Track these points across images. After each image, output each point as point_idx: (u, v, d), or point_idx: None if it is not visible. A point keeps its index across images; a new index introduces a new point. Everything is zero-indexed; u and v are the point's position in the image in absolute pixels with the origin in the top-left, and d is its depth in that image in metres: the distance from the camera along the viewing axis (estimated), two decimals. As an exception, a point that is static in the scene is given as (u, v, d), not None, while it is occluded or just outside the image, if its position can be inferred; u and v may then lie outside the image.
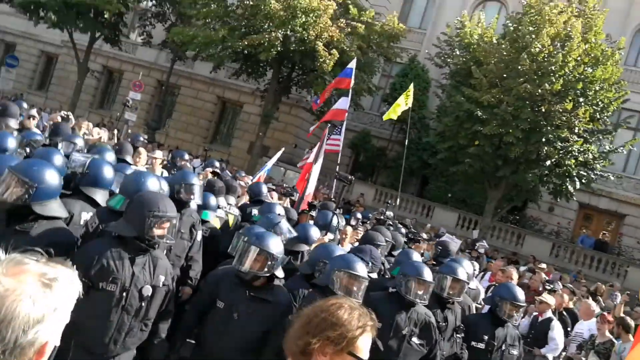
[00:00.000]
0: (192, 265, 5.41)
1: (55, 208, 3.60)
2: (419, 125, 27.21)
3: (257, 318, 4.01)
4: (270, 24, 20.62)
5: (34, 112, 9.92)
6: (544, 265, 15.87)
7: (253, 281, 4.07)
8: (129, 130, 22.42)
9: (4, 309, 1.17)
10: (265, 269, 4.02)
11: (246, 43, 20.88)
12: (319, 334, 1.79)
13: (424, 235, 12.46)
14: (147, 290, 3.63)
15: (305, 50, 21.44)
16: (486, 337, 5.09)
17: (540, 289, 10.46)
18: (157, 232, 3.63)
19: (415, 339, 4.51)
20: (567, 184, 19.61)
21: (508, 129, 18.63)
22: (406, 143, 16.35)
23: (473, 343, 5.13)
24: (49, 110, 21.82)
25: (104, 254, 3.52)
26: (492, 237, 22.26)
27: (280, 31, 20.54)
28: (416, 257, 5.81)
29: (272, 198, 9.27)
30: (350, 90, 11.96)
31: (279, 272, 4.16)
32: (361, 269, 4.21)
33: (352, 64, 12.28)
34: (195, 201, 5.45)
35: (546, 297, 8.68)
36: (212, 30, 22.06)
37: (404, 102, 14.66)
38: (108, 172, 4.63)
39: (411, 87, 15.03)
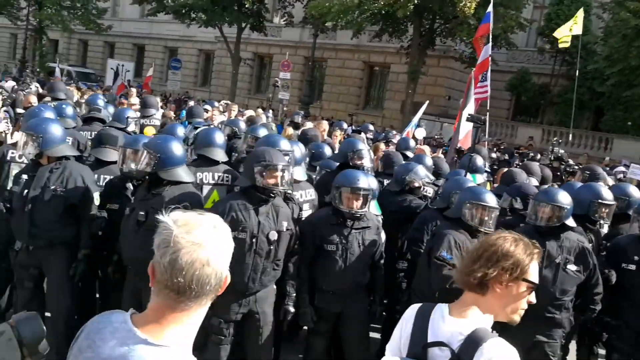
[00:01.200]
0: None
1: (180, 174, 4.16)
2: (584, 53, 24.76)
3: (364, 245, 4.38)
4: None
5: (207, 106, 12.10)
6: None
7: (351, 218, 4.33)
8: (285, 109, 23.41)
9: (207, 252, 1.47)
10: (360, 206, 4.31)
11: (382, 3, 20.54)
12: (494, 265, 1.98)
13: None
14: (273, 235, 4.03)
15: (443, -3, 20.55)
16: (637, 258, 4.71)
17: None
18: (269, 181, 3.98)
19: (571, 266, 4.35)
20: None
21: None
22: (577, 73, 14.97)
23: (623, 265, 4.77)
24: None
25: (232, 207, 3.98)
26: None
27: (414, -17, 19.88)
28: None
29: (424, 151, 9.10)
30: (490, 35, 11.24)
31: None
32: (490, 199, 4.32)
33: (490, 8, 11.52)
34: (365, 165, 5.63)
35: None
36: (347, -4, 22.00)
37: (573, 26, 13.58)
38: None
39: (580, 11, 13.73)
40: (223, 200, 4.26)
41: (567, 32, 13.43)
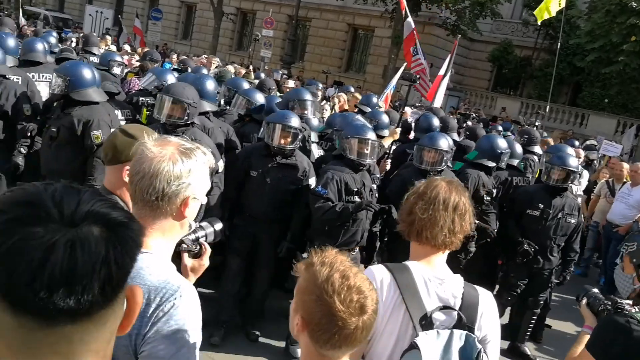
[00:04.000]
0: None
1: (90, 94, 4.63)
2: (567, 27, 24.81)
3: (285, 180, 4.80)
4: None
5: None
6: None
7: (279, 154, 4.76)
8: (266, 67, 23.12)
9: (152, 167, 1.62)
10: (290, 143, 4.75)
11: (370, -37, 20.23)
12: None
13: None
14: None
15: (432, -39, 20.32)
16: (541, 206, 5.50)
17: None
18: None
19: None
20: None
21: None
22: (558, 46, 14.95)
23: (528, 211, 5.56)
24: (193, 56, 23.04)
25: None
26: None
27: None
28: None
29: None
30: (407, 9, 11.34)
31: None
32: (369, 134, 4.82)
33: None
34: (308, 116, 6.07)
35: None
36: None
37: (557, 2, 13.47)
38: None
39: None
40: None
41: (556, 4, 13.34)
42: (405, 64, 11.65)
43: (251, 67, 15.41)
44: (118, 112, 5.36)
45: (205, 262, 1.97)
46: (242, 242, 4.91)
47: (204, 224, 2.06)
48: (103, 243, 0.82)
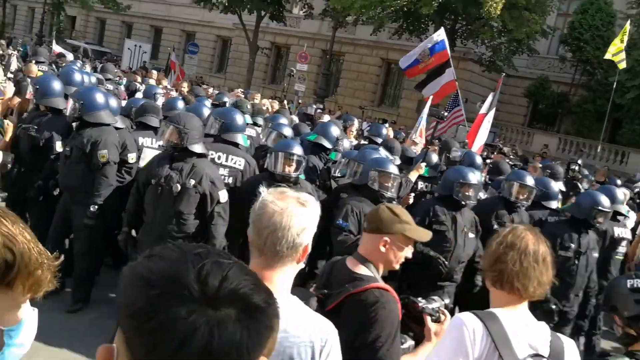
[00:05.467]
0: None
1: (101, 116, 5.03)
2: (605, 64, 24.42)
3: None
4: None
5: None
6: None
7: (284, 182, 4.70)
8: (300, 101, 23.22)
9: (283, 220, 1.74)
10: (294, 170, 4.82)
11: (406, 0, 20.26)
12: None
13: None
14: (176, 188, 4.53)
15: (468, -3, 20.26)
16: (573, 245, 5.36)
17: None
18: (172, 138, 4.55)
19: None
20: None
21: None
22: (614, 85, 14.72)
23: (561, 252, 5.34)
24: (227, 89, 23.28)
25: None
26: None
27: (439, -19, 19.62)
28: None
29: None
30: (450, 60, 10.92)
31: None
32: (393, 168, 4.94)
33: (441, 34, 11.09)
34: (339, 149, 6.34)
35: None
36: (370, -8, 21.73)
37: (620, 43, 13.56)
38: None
39: (627, 25, 13.62)
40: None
41: (614, 48, 13.38)
42: (431, 96, 11.39)
43: (285, 102, 15.45)
44: (152, 140, 5.80)
45: (446, 325, 2.37)
46: None
47: (435, 297, 2.57)
48: (238, 328, 0.84)
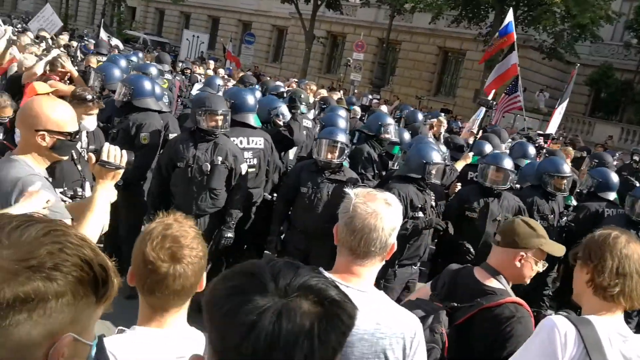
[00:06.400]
0: None
1: (148, 102, 5.37)
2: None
3: (335, 194, 4.79)
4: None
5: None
6: None
7: (327, 168, 4.88)
8: (356, 90, 23.30)
9: (376, 222, 1.83)
10: (337, 157, 4.90)
11: (465, -13, 20.07)
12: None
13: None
14: (206, 167, 4.71)
15: (530, -18, 19.90)
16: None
17: None
18: (210, 123, 4.73)
19: None
20: None
21: None
22: None
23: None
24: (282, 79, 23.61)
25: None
26: None
27: (501, -33, 19.32)
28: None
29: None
30: (516, 43, 10.87)
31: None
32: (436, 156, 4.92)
33: (510, 16, 10.96)
34: (392, 139, 6.37)
35: None
36: (429, -22, 21.62)
37: None
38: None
39: None
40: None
41: None
42: (493, 90, 11.39)
43: (341, 92, 15.59)
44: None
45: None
46: (294, 259, 4.91)
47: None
48: (309, 317, 0.86)
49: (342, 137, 4.98)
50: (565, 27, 22.48)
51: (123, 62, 8.03)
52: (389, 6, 27.34)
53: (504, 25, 11.00)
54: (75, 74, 6.86)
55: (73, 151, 3.68)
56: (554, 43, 23.55)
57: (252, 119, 5.46)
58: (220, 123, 4.77)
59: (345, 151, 5.01)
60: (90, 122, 4.31)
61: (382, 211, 1.85)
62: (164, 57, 12.44)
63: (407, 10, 26.00)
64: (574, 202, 6.50)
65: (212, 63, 16.18)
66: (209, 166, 4.71)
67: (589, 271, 2.03)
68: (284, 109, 6.14)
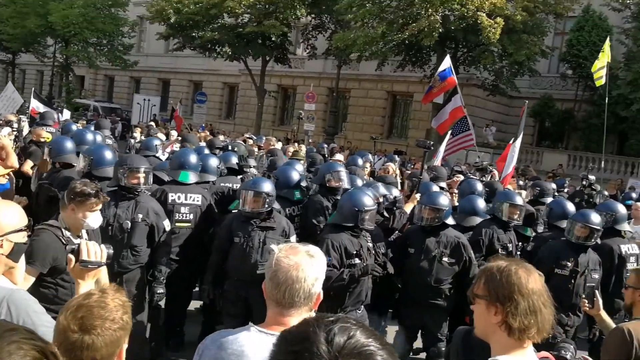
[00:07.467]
0: None
1: (108, 171, 5.51)
2: (606, 78, 24.85)
3: (265, 243, 4.98)
4: (428, 8, 20.42)
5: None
6: None
7: (255, 217, 5.07)
8: (310, 140, 23.70)
9: (298, 274, 1.92)
10: (263, 206, 5.05)
11: (407, 34, 20.93)
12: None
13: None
14: (127, 225, 4.84)
15: (467, 25, 20.90)
16: (570, 264, 5.30)
17: None
18: (132, 181, 4.94)
19: (445, 259, 5.28)
20: None
21: None
22: (606, 100, 15.23)
23: (557, 270, 5.31)
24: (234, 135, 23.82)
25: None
26: None
27: (438, 13, 20.27)
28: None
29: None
30: (457, 87, 11.58)
31: (275, 205, 5.32)
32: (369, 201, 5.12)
33: (447, 62, 11.69)
34: (344, 186, 6.31)
35: None
36: (371, 29, 22.44)
37: (604, 59, 14.03)
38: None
39: (607, 42, 14.16)
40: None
41: (600, 65, 13.82)
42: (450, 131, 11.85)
43: (296, 144, 15.84)
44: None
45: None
46: (235, 306, 5.15)
47: (565, 345, 2.66)
48: None
49: (266, 187, 5.14)
50: (503, 64, 23.57)
51: (90, 135, 7.86)
52: (335, 57, 28.16)
53: (442, 70, 11.58)
54: (9, 149, 6.67)
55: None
56: (495, 80, 24.61)
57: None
58: (142, 180, 4.97)
59: (268, 200, 5.11)
60: (95, 219, 3.72)
61: (303, 263, 1.95)
62: (103, 123, 12.44)
63: (353, 60, 26.84)
64: (532, 233, 6.71)
65: (153, 126, 16.35)
66: (129, 224, 4.84)
67: (497, 312, 1.97)
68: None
